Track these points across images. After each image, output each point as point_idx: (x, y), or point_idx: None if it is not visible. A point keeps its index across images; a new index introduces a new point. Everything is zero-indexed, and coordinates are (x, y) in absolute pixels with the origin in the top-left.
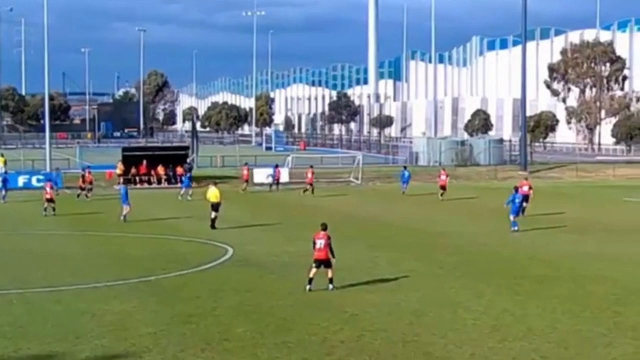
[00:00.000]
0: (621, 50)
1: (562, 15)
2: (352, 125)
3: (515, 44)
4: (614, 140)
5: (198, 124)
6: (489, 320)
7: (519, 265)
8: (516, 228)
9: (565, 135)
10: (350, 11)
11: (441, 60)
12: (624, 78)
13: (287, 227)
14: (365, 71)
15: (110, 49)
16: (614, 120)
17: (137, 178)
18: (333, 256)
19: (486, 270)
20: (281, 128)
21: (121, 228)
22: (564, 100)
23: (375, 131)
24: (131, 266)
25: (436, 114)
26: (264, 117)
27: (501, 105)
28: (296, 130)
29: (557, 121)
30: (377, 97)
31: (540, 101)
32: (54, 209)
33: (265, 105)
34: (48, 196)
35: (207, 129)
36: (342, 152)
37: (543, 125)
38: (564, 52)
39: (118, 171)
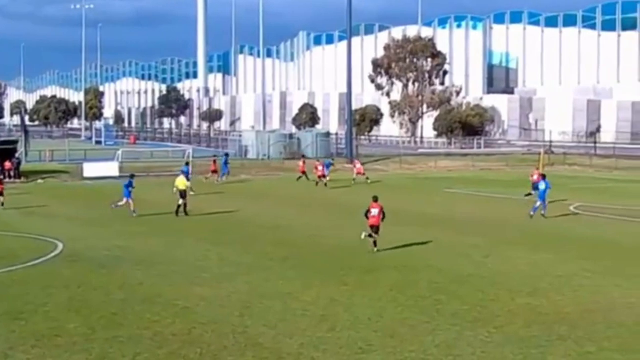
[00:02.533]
0: (442, 46)
1: (385, 12)
2: (182, 119)
3: (341, 39)
4: (435, 133)
5: (26, 118)
6: (318, 311)
7: (347, 256)
8: (544, 212)
9: (390, 128)
10: (180, 5)
11: (269, 54)
12: (445, 73)
13: (118, 221)
14: (195, 65)
15: None
16: (435, 114)
17: None
18: (384, 219)
19: (315, 261)
20: (111, 122)
21: None
22: (388, 95)
23: (205, 125)
24: None
25: (265, 108)
26: (94, 111)
27: (328, 99)
28: (126, 124)
29: (382, 115)
30: (207, 91)
31: (366, 95)
32: None
33: (95, 99)
34: None
35: (36, 123)
36: (172, 146)
37: (368, 119)
38: (387, 47)
39: None
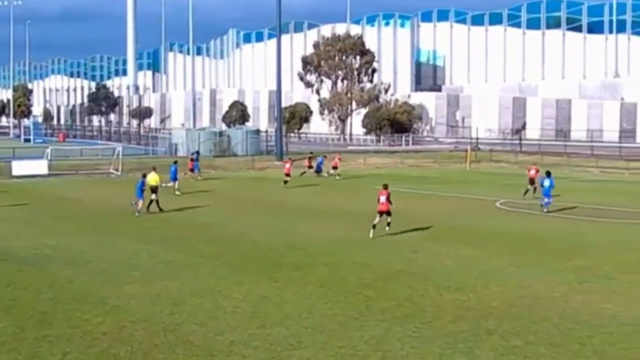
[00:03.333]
0: (370, 43)
1: (314, 10)
2: (112, 116)
3: (270, 37)
4: (364, 130)
5: None
6: (248, 308)
7: (277, 253)
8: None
9: (319, 125)
10: (109, 2)
11: (199, 52)
12: (373, 70)
13: (48, 220)
14: (125, 62)
15: None
16: (364, 111)
17: None
18: (391, 204)
19: (245, 259)
20: (40, 120)
21: None
22: (317, 92)
23: (135, 122)
24: None
25: (195, 106)
26: (22, 109)
27: (257, 96)
28: (55, 121)
29: (311, 112)
30: (137, 88)
31: (295, 93)
32: None
33: (23, 96)
34: None
35: None
36: (102, 143)
37: (298, 116)
38: (316, 45)
39: None
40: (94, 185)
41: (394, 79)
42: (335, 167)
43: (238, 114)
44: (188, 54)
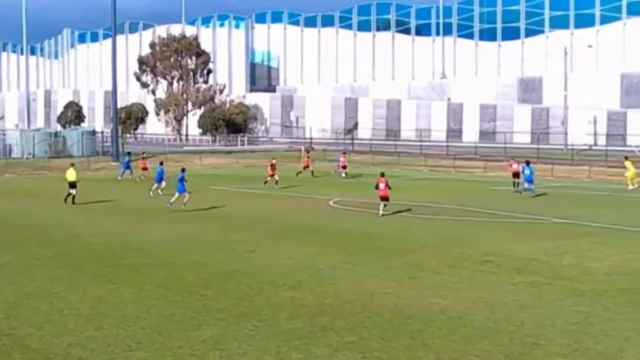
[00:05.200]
0: (206, 44)
1: (150, 10)
2: None
3: (105, 37)
4: (200, 131)
5: None
6: (85, 310)
7: (114, 254)
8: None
9: (155, 126)
10: None
11: (33, 52)
12: (209, 71)
13: None
14: None
15: None
16: (200, 111)
17: None
18: (390, 188)
19: (82, 260)
20: None
21: None
22: (153, 93)
23: None
24: None
25: (29, 106)
26: None
27: (93, 97)
28: None
29: (147, 113)
30: None
31: (131, 93)
32: None
33: None
34: None
35: None
36: None
37: (134, 116)
38: (152, 45)
39: None
40: None
41: (229, 80)
42: (344, 167)
43: (73, 114)
44: (22, 53)
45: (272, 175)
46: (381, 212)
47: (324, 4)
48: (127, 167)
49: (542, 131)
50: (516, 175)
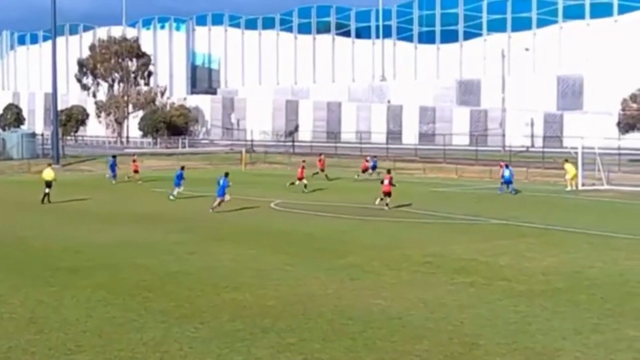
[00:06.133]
0: (146, 46)
1: (90, 12)
2: None
3: (45, 39)
4: (141, 133)
5: None
6: (26, 313)
7: (55, 257)
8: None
9: (96, 128)
10: None
11: None
12: (150, 73)
13: None
14: None
15: None
16: (141, 114)
17: None
18: (394, 185)
19: (21, 263)
20: None
21: None
22: (94, 95)
23: None
24: None
25: None
26: None
27: (33, 99)
28: None
29: (88, 115)
30: None
31: (72, 95)
32: None
33: None
34: None
35: None
36: None
37: (74, 119)
38: (92, 47)
39: None
40: None
41: (170, 82)
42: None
43: (13, 116)
44: None
45: (300, 179)
46: (377, 202)
47: (264, 6)
48: (113, 170)
49: (481, 133)
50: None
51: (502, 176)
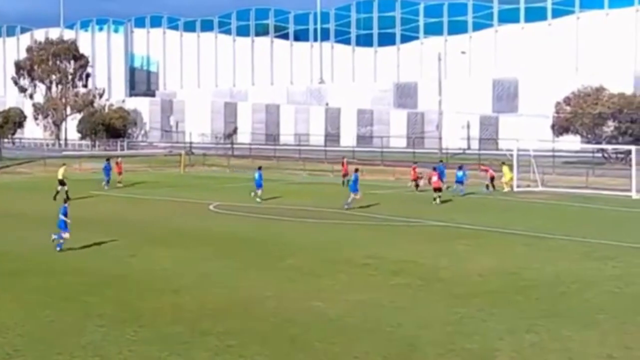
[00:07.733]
0: (84, 48)
1: (27, 14)
2: None
3: None
4: (79, 135)
5: None
6: None
7: None
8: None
9: (34, 130)
10: None
11: None
12: (88, 75)
13: None
14: None
15: None
16: (79, 116)
17: None
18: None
19: None
20: None
21: None
22: (31, 97)
23: None
24: None
25: None
26: None
27: None
28: None
29: (25, 117)
30: None
31: (9, 97)
32: None
33: None
34: None
35: None
36: None
37: (12, 121)
38: (30, 49)
39: None
40: None
41: (109, 84)
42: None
43: None
44: None
45: (415, 179)
46: (438, 201)
47: (203, 8)
48: (108, 174)
49: (418, 135)
50: (493, 179)
51: (491, 179)
